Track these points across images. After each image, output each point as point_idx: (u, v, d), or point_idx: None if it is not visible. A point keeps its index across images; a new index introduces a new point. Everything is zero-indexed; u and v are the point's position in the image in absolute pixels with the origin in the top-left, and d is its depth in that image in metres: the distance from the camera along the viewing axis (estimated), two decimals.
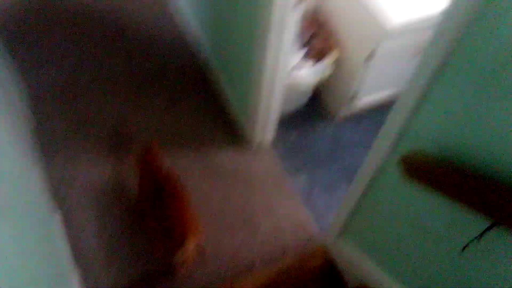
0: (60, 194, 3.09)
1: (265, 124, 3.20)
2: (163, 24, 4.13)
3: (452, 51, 1.50)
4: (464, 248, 1.80)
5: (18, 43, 3.86)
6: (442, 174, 1.66)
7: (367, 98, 3.39)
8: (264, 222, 3.07)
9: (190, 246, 2.47)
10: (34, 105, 3.47)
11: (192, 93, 3.68)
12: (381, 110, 3.50)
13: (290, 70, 3.05)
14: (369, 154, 2.15)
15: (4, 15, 4.05)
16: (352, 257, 2.69)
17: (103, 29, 4.00)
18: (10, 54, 3.24)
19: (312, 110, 3.63)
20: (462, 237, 1.81)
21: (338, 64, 3.23)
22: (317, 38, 3.19)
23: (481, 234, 1.65)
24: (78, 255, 2.86)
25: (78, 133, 3.38)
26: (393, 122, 1.88)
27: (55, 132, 3.36)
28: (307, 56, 3.19)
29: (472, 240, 1.73)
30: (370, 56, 2.97)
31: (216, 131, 3.48)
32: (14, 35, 3.91)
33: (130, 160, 3.13)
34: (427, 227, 2.00)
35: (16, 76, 3.31)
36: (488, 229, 1.61)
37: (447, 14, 1.46)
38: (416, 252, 2.17)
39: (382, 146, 2.01)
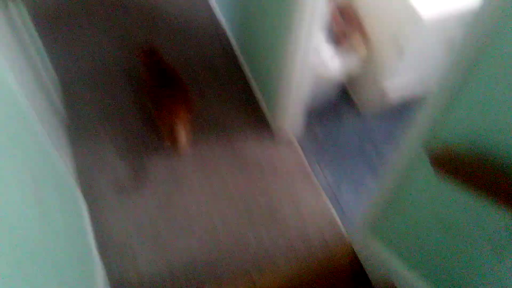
0: (87, 183, 3.10)
1: (293, 117, 3.17)
2: (196, 15, 4.15)
3: (485, 45, 1.45)
4: (498, 247, 1.75)
5: (52, 33, 3.91)
6: (474, 170, 1.62)
7: (398, 92, 3.33)
8: (289, 218, 3.04)
9: (180, 131, 3.00)
10: (66, 95, 3.52)
11: (221, 85, 3.68)
12: (412, 105, 3.45)
13: (319, 63, 3.01)
14: (399, 149, 2.10)
15: (40, 5, 4.12)
16: (380, 257, 2.64)
17: (137, 19, 4.03)
18: (44, 43, 3.25)
19: (341, 104, 3.58)
20: (495, 236, 1.76)
21: (368, 57, 3.18)
22: (348, 31, 3.15)
23: None
24: (104, 246, 2.86)
25: (108, 124, 3.41)
26: (424, 117, 1.84)
27: (85, 123, 3.40)
28: (337, 48, 3.14)
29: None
30: (402, 50, 2.91)
31: (244, 123, 3.46)
32: (48, 25, 3.96)
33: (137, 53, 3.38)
34: (459, 225, 1.95)
35: (49, 64, 3.32)
36: None
37: (481, 8, 1.41)
38: (447, 251, 2.12)
39: (412, 142, 1.97)
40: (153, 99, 3.21)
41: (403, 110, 3.50)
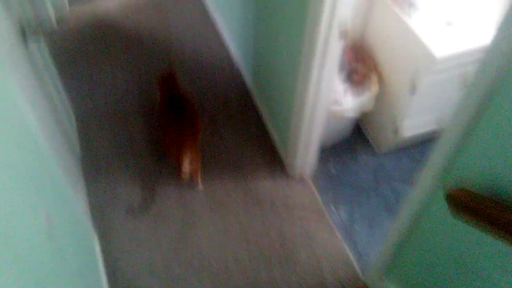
0: (99, 219, 3.11)
1: (306, 154, 3.16)
2: (210, 53, 4.20)
3: (499, 82, 1.45)
4: None
5: (70, 69, 3.99)
6: (489, 208, 1.60)
7: (411, 130, 3.32)
8: (302, 257, 3.01)
9: (186, 162, 2.99)
10: (82, 131, 3.56)
11: (234, 121, 3.70)
12: (426, 142, 3.45)
13: (332, 101, 3.01)
14: (413, 189, 2.09)
15: (60, 41, 4.22)
16: None
17: (152, 57, 4.08)
18: (61, 78, 3.30)
19: (355, 142, 3.57)
20: None
21: (381, 95, 3.19)
22: (360, 69, 3.16)
23: None
24: (116, 283, 2.85)
25: (121, 160, 3.43)
26: (438, 157, 1.83)
27: (99, 159, 3.43)
28: (349, 87, 3.15)
29: None
30: (414, 88, 2.91)
31: (257, 160, 3.46)
32: (67, 61, 4.05)
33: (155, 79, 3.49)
34: (475, 263, 1.92)
35: (65, 99, 3.36)
36: None
37: (493, 47, 1.41)
38: None
39: (427, 181, 1.95)
40: (163, 125, 3.29)
41: (417, 147, 3.49)
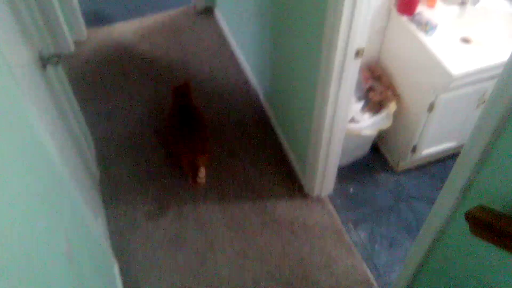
0: (118, 244, 3.10)
1: (324, 175, 3.16)
2: (227, 76, 4.22)
3: None
4: None
5: (88, 94, 4.02)
6: (509, 228, 1.57)
7: (429, 149, 3.31)
8: (322, 279, 2.98)
9: (202, 169, 3.19)
10: (100, 156, 3.57)
11: (251, 142, 3.70)
12: (445, 160, 3.43)
13: (349, 121, 3.01)
14: (433, 209, 2.07)
15: (78, 67, 4.26)
16: None
17: (169, 82, 4.08)
18: (80, 104, 3.33)
19: (373, 162, 3.56)
20: None
21: (398, 115, 3.18)
22: (377, 87, 3.16)
23: None
24: None
25: (139, 184, 3.43)
26: (457, 177, 1.81)
27: (117, 183, 3.43)
28: (366, 107, 3.15)
29: None
30: (431, 107, 2.91)
31: (275, 181, 3.45)
32: (85, 86, 4.08)
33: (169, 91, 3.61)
34: (496, 284, 1.89)
35: (84, 124, 3.39)
36: None
37: (511, 63, 1.40)
38: None
39: (447, 202, 1.93)
40: (174, 134, 3.42)
41: (436, 165, 3.48)
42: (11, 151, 1.45)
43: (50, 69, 2.48)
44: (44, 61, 2.35)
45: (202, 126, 3.46)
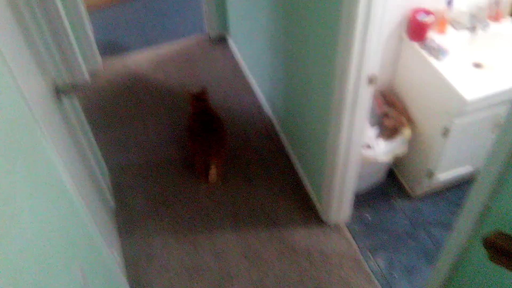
0: (134, 274, 3.09)
1: (340, 202, 3.14)
2: (241, 102, 4.26)
3: None
4: None
5: (103, 123, 4.06)
6: None
7: (445, 174, 3.29)
8: None
9: (213, 168, 3.59)
10: (115, 185, 3.59)
11: (267, 169, 3.70)
12: (462, 185, 3.41)
13: (364, 148, 3.00)
14: (451, 235, 2.05)
15: (92, 97, 4.31)
16: None
17: (183, 110, 4.11)
18: (94, 133, 3.35)
19: (389, 188, 3.54)
20: None
21: (413, 140, 3.17)
22: (391, 113, 3.16)
23: None
24: None
25: (155, 212, 3.43)
26: (473, 202, 1.80)
27: (133, 212, 3.45)
28: (380, 133, 3.14)
29: None
30: (446, 132, 2.90)
31: (291, 209, 3.43)
32: (99, 116, 4.13)
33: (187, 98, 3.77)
34: None
35: (98, 153, 3.42)
36: None
37: None
38: None
39: (464, 227, 1.92)
40: (192, 136, 3.62)
41: (453, 190, 3.45)
42: (27, 184, 1.47)
43: (65, 100, 2.51)
44: (59, 92, 2.37)
45: (220, 129, 3.64)
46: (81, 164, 2.68)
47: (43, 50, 2.30)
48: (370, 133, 3.12)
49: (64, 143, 2.31)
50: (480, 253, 1.87)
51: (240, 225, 3.33)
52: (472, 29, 2.97)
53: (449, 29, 2.98)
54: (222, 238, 3.26)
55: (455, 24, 2.99)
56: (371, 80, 2.41)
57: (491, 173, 1.64)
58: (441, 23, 2.95)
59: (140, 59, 4.70)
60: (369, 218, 3.38)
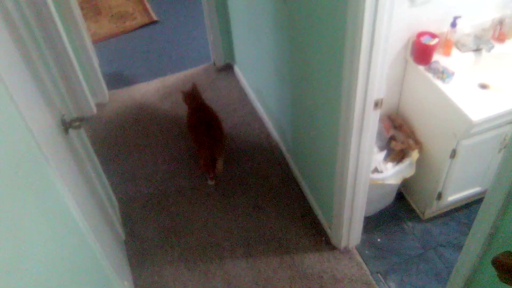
0: None
1: (350, 226, 3.14)
2: (249, 129, 4.28)
3: None
4: None
5: (110, 154, 4.08)
6: None
7: (455, 195, 3.28)
8: None
9: (220, 160, 3.78)
10: (124, 216, 3.60)
11: (276, 195, 3.70)
12: (471, 205, 3.40)
13: (372, 171, 3.00)
14: (461, 256, 2.05)
15: (99, 128, 4.36)
16: None
17: (191, 139, 4.13)
18: (102, 164, 3.37)
19: (398, 210, 3.53)
20: None
21: (421, 162, 3.17)
22: (398, 136, 3.16)
23: None
24: None
25: (165, 243, 3.43)
26: (482, 223, 1.79)
27: (143, 242, 3.44)
28: (388, 156, 3.15)
29: None
30: (454, 153, 2.90)
31: (301, 235, 3.42)
32: (107, 147, 4.15)
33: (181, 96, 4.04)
34: None
35: (107, 185, 3.44)
36: None
37: None
38: None
39: (473, 248, 1.91)
40: (195, 133, 3.83)
41: (463, 210, 3.45)
42: (36, 218, 1.48)
43: (72, 132, 2.53)
44: (66, 125, 2.39)
45: (217, 122, 3.89)
46: (90, 196, 2.69)
47: (50, 84, 2.33)
48: (379, 157, 3.13)
49: (73, 176, 2.32)
50: (490, 273, 1.86)
51: (251, 252, 3.32)
52: (477, 50, 2.98)
53: (454, 51, 2.99)
54: (234, 266, 3.26)
55: (460, 46, 3.00)
56: (377, 104, 2.42)
57: (498, 193, 1.64)
58: (446, 45, 2.96)
59: (147, 90, 4.73)
60: (380, 241, 3.37)
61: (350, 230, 3.18)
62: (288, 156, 3.88)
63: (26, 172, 1.49)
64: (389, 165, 3.12)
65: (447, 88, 2.82)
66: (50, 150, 1.87)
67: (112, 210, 3.28)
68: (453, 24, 2.87)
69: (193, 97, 3.99)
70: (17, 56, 1.93)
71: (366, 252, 3.31)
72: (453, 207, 3.44)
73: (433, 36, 2.87)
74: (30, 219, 1.41)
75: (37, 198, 1.53)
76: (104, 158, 3.69)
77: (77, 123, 2.46)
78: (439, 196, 3.23)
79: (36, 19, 3.09)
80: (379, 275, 3.19)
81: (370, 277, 3.17)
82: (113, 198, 3.54)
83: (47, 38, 3.53)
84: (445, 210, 3.44)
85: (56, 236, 1.66)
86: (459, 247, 2.45)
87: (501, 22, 2.98)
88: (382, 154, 3.15)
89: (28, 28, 2.24)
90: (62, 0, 3.79)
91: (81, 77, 4.13)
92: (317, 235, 3.40)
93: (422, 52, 2.93)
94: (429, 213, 3.42)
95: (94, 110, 4.46)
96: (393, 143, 3.15)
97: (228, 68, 4.89)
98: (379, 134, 3.08)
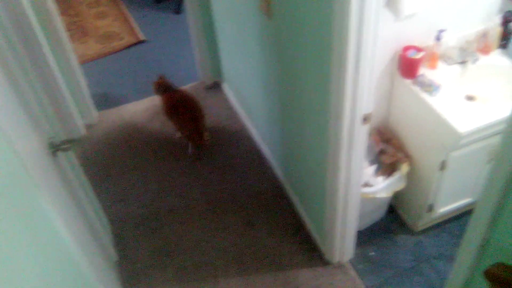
0: None
1: (343, 241, 3.14)
2: (238, 146, 4.28)
3: None
4: None
5: (101, 176, 4.06)
6: None
7: (446, 207, 3.29)
8: None
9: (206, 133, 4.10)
10: (116, 237, 3.58)
11: (268, 212, 3.70)
12: (463, 216, 3.41)
13: (363, 186, 3.01)
14: (453, 268, 2.05)
15: (88, 149, 4.34)
16: None
17: (180, 155, 4.15)
18: (93, 187, 3.36)
19: (390, 224, 3.54)
20: None
21: (411, 175, 3.18)
22: (388, 150, 3.17)
23: None
24: None
25: (158, 263, 3.41)
26: (473, 234, 1.80)
27: (136, 263, 3.42)
28: (379, 170, 3.15)
29: None
30: (443, 165, 2.91)
31: (294, 251, 3.42)
32: (97, 169, 4.13)
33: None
34: None
35: (98, 207, 3.42)
36: None
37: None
38: None
39: (465, 260, 1.92)
40: (176, 117, 4.13)
41: (455, 221, 3.46)
42: (26, 244, 1.47)
43: (61, 155, 2.51)
44: (54, 148, 2.38)
45: (194, 102, 4.17)
46: (81, 218, 2.68)
47: (37, 107, 2.32)
48: (369, 171, 3.13)
49: (62, 199, 2.31)
50: (482, 285, 1.86)
51: (245, 270, 3.31)
52: (463, 63, 3.00)
53: (440, 64, 3.01)
54: (227, 284, 3.24)
55: (446, 59, 3.02)
56: (366, 119, 2.43)
57: (488, 204, 1.65)
58: (432, 58, 2.98)
59: (136, 110, 4.73)
60: (372, 255, 3.37)
61: (343, 245, 3.18)
62: (279, 172, 3.88)
63: (15, 198, 1.48)
64: (380, 178, 3.13)
65: (434, 101, 2.83)
66: (38, 173, 1.86)
67: (103, 231, 3.26)
68: (438, 38, 2.89)
69: (164, 86, 4.22)
70: (3, 79, 1.92)
71: (360, 266, 3.30)
72: (445, 219, 3.45)
73: (418, 50, 2.89)
74: (20, 245, 1.40)
75: (26, 223, 1.52)
76: (94, 179, 3.67)
77: (65, 146, 2.45)
78: (430, 208, 3.24)
79: (21, 42, 3.09)
80: None
81: None
82: (105, 219, 3.53)
83: (34, 61, 3.52)
84: (437, 222, 3.44)
85: (47, 261, 1.65)
86: (452, 259, 2.47)
87: (485, 34, 3.00)
88: (373, 168, 3.16)
89: (14, 51, 2.24)
90: (48, 22, 3.78)
91: (69, 98, 4.12)
92: (310, 251, 3.40)
93: (408, 66, 2.95)
94: (421, 225, 3.43)
95: (84, 131, 4.45)
96: (383, 157, 3.16)
97: (216, 86, 4.90)
98: (369, 148, 3.08)
